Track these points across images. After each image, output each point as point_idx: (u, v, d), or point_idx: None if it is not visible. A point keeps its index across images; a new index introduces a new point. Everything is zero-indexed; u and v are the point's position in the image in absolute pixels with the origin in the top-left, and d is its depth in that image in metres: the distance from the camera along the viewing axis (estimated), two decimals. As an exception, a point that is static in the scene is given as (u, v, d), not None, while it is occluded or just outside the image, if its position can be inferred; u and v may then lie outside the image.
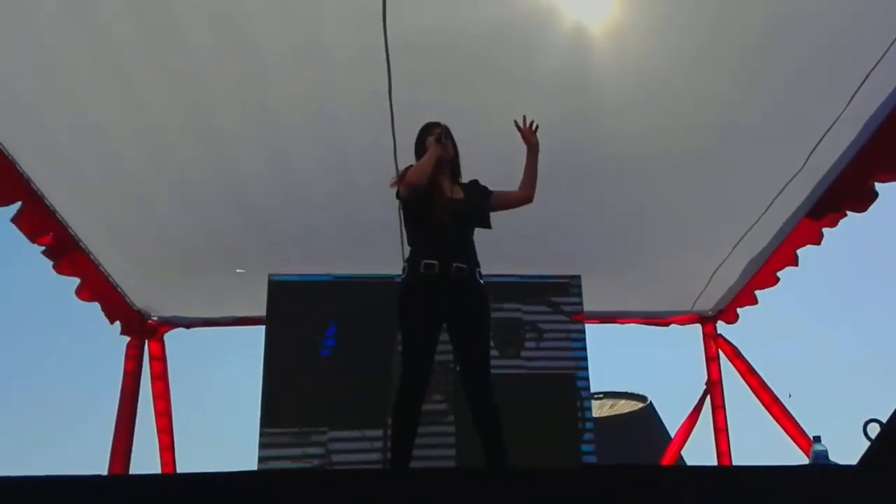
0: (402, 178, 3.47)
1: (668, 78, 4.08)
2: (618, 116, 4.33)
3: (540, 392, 5.57)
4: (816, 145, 4.52)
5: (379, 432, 5.39)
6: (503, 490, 2.21)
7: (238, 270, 5.72)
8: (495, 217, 3.64)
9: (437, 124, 3.56)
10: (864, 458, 2.69)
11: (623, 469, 2.66)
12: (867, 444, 2.72)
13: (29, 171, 4.50)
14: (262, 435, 5.33)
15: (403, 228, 3.63)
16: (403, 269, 3.44)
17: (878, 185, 4.58)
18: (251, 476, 2.58)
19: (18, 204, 4.56)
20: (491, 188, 3.63)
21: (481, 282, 3.41)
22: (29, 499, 2.12)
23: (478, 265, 3.44)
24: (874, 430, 2.73)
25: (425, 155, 3.47)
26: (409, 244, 3.52)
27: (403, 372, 3.27)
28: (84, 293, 5.55)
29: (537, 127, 3.55)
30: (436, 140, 3.46)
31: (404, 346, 3.30)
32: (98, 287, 5.63)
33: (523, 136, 3.57)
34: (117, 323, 6.05)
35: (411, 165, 3.54)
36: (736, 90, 4.18)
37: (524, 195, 3.60)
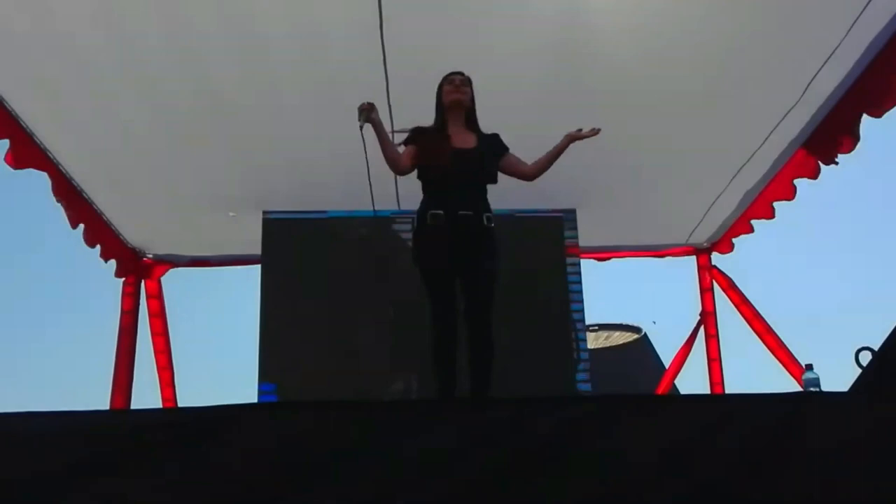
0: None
1: (665, 10, 4.02)
2: (615, 49, 4.26)
3: (536, 325, 5.62)
4: (813, 78, 4.49)
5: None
6: (500, 418, 2.24)
7: (230, 214, 5.71)
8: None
9: (457, 74, 3.53)
10: (856, 385, 2.74)
11: (617, 398, 2.69)
12: (858, 371, 2.76)
13: (17, 108, 4.47)
14: (260, 369, 5.40)
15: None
16: (413, 221, 3.49)
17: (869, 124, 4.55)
18: (253, 408, 2.62)
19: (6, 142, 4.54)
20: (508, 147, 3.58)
21: (491, 226, 3.40)
22: (33, 433, 2.15)
23: (487, 210, 3.43)
24: (866, 357, 2.77)
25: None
26: (423, 192, 3.51)
27: (431, 319, 3.33)
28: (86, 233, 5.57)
29: (593, 133, 3.52)
30: (361, 110, 3.35)
31: (427, 294, 3.36)
32: (91, 223, 5.62)
33: (572, 133, 3.52)
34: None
35: (410, 129, 3.50)
36: (734, 22, 4.11)
37: (530, 174, 3.58)
